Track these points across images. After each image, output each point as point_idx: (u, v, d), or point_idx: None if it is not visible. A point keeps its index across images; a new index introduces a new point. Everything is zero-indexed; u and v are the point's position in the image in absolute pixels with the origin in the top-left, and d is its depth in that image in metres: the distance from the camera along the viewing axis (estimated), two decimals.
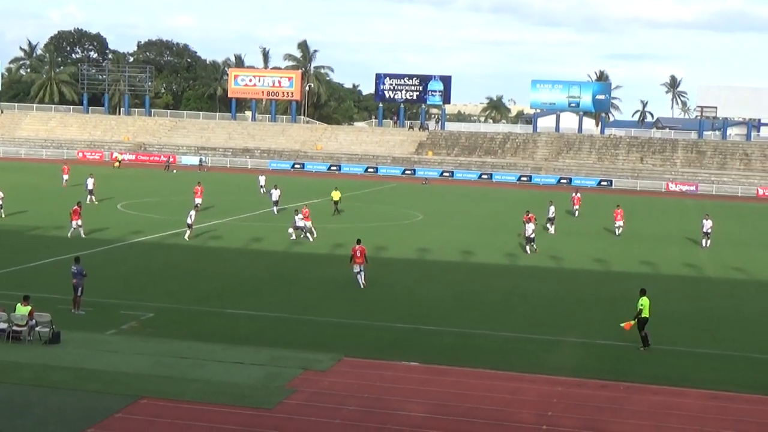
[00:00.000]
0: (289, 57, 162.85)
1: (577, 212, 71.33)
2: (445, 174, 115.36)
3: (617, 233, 59.87)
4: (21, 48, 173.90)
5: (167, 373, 25.32)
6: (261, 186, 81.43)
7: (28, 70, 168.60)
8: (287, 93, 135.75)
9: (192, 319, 32.32)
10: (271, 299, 36.41)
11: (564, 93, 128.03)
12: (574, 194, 74.13)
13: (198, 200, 63.24)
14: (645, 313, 29.99)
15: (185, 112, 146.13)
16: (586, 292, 40.35)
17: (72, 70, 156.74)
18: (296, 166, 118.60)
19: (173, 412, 22.30)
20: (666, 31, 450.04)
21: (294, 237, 51.75)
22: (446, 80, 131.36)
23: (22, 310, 28.17)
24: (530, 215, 53.18)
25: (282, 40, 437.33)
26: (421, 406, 23.37)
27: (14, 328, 28.08)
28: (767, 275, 47.35)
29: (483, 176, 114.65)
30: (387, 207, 75.32)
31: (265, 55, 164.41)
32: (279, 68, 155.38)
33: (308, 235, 52.18)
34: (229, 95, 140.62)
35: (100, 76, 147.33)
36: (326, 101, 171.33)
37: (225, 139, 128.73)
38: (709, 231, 56.53)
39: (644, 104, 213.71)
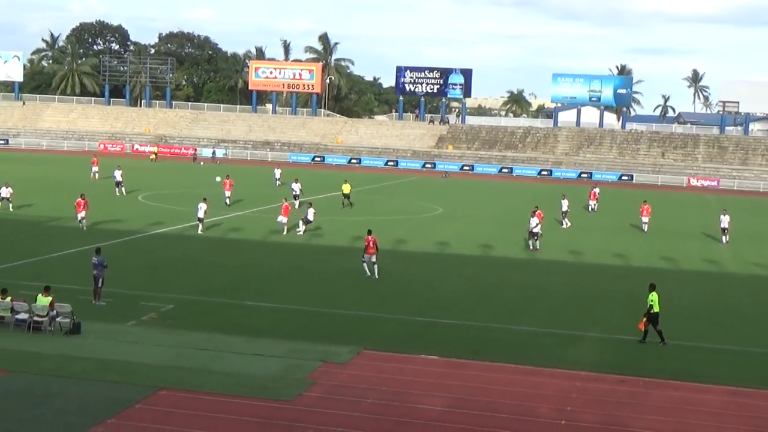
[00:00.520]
0: (309, 49, 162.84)
1: (594, 207, 70.95)
2: (465, 168, 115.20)
3: (644, 229, 59.40)
4: (43, 39, 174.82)
5: (187, 365, 25.39)
6: (276, 179, 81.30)
7: (50, 61, 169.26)
8: (308, 85, 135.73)
9: (211, 311, 32.40)
10: (289, 291, 36.45)
11: (585, 87, 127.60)
12: (591, 189, 73.84)
13: (227, 193, 63.07)
14: (656, 308, 29.81)
15: (206, 104, 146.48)
16: (605, 287, 40.22)
17: (94, 62, 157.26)
18: (316, 159, 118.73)
19: (193, 404, 22.36)
20: (688, 25, 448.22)
21: (301, 232, 51.23)
22: (467, 73, 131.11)
23: (43, 300, 28.33)
24: (538, 212, 52.31)
25: (301, 33, 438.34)
26: (441, 400, 23.36)
27: (35, 318, 28.25)
28: None
29: (503, 170, 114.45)
30: (407, 200, 75.29)
31: (286, 48, 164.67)
32: (300, 61, 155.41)
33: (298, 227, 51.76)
34: (249, 87, 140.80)
35: (122, 68, 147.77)
36: (347, 94, 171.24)
37: (245, 132, 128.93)
38: (727, 227, 56.24)
39: (666, 99, 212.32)
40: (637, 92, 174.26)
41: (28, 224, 51.29)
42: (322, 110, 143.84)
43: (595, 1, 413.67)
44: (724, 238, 56.27)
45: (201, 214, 50.52)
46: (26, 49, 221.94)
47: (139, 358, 25.87)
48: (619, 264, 47.12)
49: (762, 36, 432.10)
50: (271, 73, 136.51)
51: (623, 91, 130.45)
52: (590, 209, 70.55)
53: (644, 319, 29.94)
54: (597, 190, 73.89)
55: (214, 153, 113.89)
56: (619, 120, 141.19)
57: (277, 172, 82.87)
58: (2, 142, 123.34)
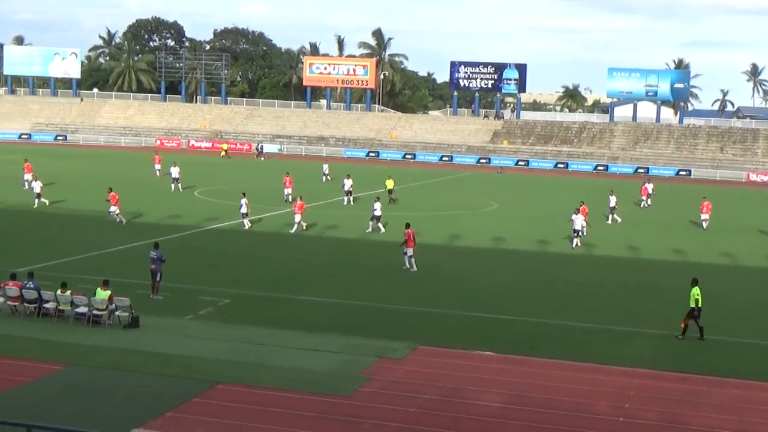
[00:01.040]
0: (363, 45, 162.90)
1: (647, 203, 69.62)
2: (520, 163, 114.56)
3: (704, 227, 58.33)
4: (100, 36, 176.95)
5: (244, 359, 25.53)
6: (324, 174, 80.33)
7: (107, 58, 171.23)
8: (362, 81, 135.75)
9: (267, 306, 32.56)
10: (344, 286, 36.52)
11: (641, 81, 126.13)
12: (643, 185, 71.97)
13: (287, 191, 62.27)
14: (699, 304, 29.32)
15: (261, 100, 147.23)
16: (662, 284, 39.68)
17: (149, 59, 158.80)
18: (371, 154, 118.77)
19: (250, 398, 22.46)
20: (747, 17, 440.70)
21: (369, 229, 51.01)
22: (521, 68, 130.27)
23: (102, 294, 28.65)
24: (583, 207, 51.65)
25: (355, 28, 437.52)
26: (498, 397, 23.24)
27: (95, 312, 28.60)
28: None
29: (559, 165, 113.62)
30: (461, 196, 75.03)
31: (340, 43, 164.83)
32: (353, 56, 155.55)
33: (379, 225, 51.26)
34: (304, 83, 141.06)
35: (177, 64, 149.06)
36: (401, 90, 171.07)
37: (300, 127, 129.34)
38: None
39: (724, 93, 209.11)
40: (694, 86, 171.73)
41: (84, 219, 51.92)
42: (377, 106, 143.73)
43: None
44: None
45: (244, 210, 50.55)
46: (84, 46, 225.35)
47: (197, 352, 26.06)
48: (677, 260, 46.50)
49: None
50: (325, 68, 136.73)
51: (680, 85, 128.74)
52: (642, 205, 69.52)
53: (687, 315, 29.48)
54: (648, 185, 71.19)
55: (261, 148, 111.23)
56: (676, 115, 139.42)
57: (325, 167, 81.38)
58: (61, 138, 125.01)
